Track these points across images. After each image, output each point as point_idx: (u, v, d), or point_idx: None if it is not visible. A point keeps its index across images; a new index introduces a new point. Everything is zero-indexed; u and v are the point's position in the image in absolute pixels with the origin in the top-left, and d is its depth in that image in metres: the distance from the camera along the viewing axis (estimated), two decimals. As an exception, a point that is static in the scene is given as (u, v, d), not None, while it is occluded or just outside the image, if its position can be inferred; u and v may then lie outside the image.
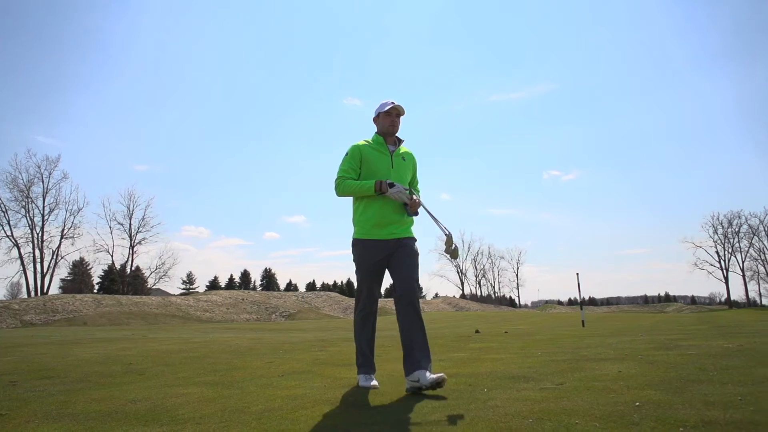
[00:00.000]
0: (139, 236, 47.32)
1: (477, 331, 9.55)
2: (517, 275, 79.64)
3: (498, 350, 5.20)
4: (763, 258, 62.15)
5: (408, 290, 2.99)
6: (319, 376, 3.64)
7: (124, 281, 47.73)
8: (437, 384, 2.74)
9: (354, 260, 3.20)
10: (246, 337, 9.57)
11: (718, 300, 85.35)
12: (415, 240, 3.22)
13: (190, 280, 67.18)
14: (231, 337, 9.18)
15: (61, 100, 71.35)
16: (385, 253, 3.10)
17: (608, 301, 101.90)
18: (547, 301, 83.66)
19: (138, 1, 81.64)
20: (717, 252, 62.91)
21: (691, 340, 5.26)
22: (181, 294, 52.23)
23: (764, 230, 61.15)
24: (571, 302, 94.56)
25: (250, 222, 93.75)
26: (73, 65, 71.34)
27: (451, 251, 3.20)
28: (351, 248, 3.22)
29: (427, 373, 2.78)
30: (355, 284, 3.29)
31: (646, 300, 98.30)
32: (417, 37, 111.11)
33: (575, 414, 2.20)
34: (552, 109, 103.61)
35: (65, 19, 68.99)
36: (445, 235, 3.20)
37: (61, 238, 42.58)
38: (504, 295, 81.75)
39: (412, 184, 3.38)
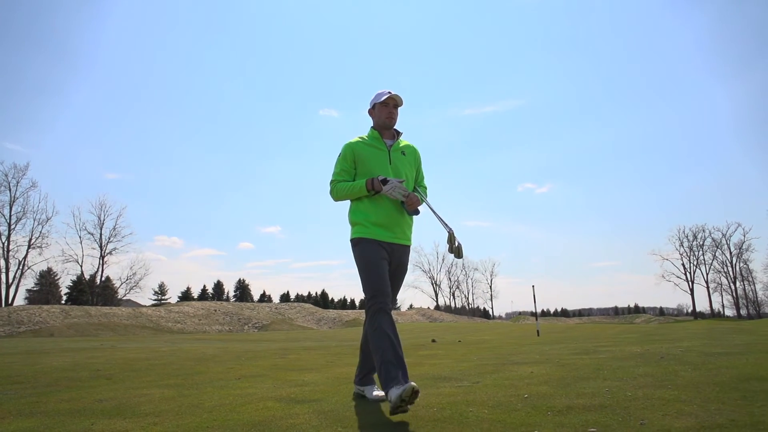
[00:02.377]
0: (110, 246, 46.77)
1: (433, 341, 10.03)
2: (490, 287, 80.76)
3: (441, 357, 5.69)
4: (725, 270, 64.65)
5: None
6: (271, 379, 4.04)
7: (93, 292, 46.83)
8: (381, 401, 2.86)
9: (356, 258, 2.89)
10: (213, 346, 9.82)
11: (685, 311, 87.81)
12: (410, 248, 3.08)
13: (162, 290, 66.15)
14: (198, 347, 9.44)
15: (30, 105, 69.71)
16: (387, 254, 2.90)
17: (580, 313, 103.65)
18: (520, 313, 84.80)
19: (109, 7, 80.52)
20: (683, 264, 65.12)
21: (612, 346, 5.83)
22: (153, 305, 51.40)
23: (726, 243, 63.73)
24: (544, 313, 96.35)
25: (225, 232, 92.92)
26: (41, 70, 69.29)
27: (455, 249, 2.92)
28: (351, 248, 2.94)
29: (375, 390, 2.97)
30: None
31: (616, 311, 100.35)
32: (392, 51, 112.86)
33: (473, 404, 2.69)
34: (524, 123, 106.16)
35: (32, 22, 67.34)
36: (447, 232, 2.93)
37: (29, 247, 41.80)
38: (478, 307, 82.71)
39: (417, 180, 3.16)
